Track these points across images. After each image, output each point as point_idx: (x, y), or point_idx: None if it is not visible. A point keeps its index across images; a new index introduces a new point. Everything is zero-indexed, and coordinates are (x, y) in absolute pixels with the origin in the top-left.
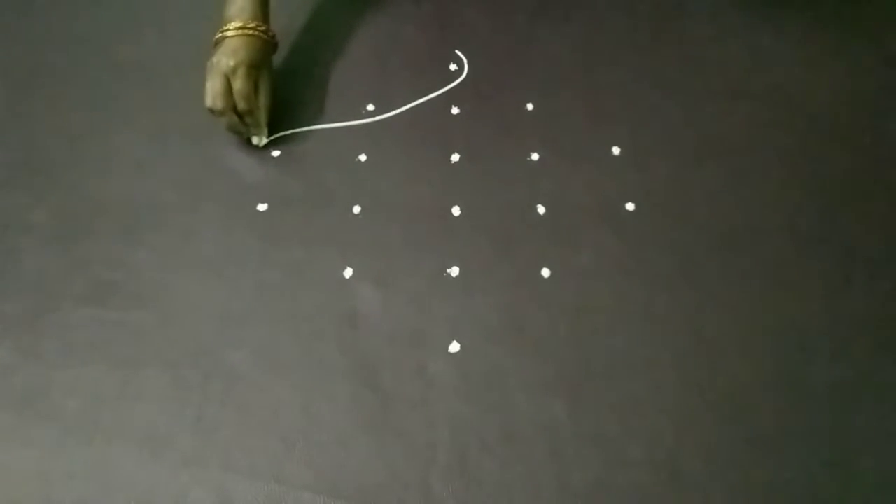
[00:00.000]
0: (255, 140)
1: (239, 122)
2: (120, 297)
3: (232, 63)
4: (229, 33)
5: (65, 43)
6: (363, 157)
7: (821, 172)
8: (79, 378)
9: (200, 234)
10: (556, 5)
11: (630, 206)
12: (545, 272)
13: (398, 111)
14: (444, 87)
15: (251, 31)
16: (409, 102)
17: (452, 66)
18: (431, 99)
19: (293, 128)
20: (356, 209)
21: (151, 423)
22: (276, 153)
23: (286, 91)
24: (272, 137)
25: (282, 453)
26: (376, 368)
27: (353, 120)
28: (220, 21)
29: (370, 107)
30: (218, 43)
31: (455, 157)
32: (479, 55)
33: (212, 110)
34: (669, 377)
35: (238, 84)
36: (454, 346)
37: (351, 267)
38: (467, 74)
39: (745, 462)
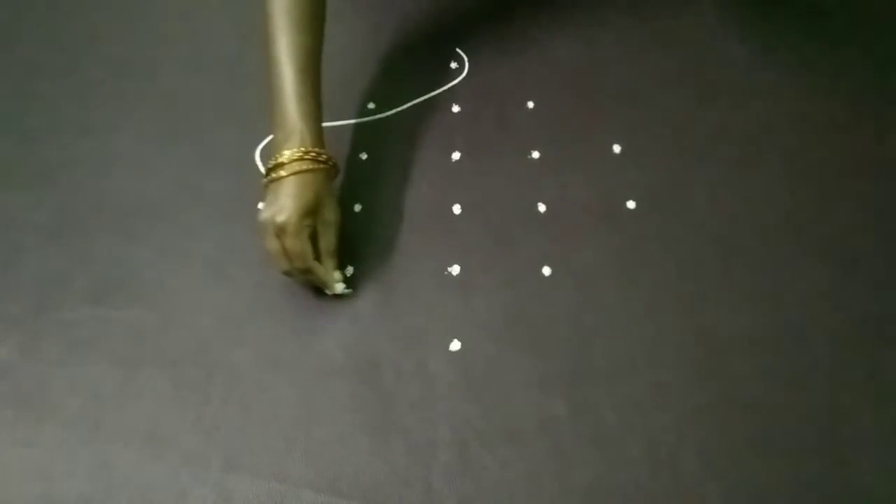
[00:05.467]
0: (328, 292)
1: (305, 277)
2: (121, 296)
3: (278, 221)
4: (282, 172)
5: (65, 43)
6: (364, 156)
7: (821, 172)
8: (79, 377)
9: (201, 234)
10: (556, 4)
11: (631, 205)
12: (546, 270)
13: (399, 109)
14: (444, 85)
15: (308, 166)
16: (410, 101)
17: (453, 65)
18: (432, 97)
19: None
20: (357, 207)
21: (152, 422)
22: None
23: None
24: None
25: (283, 452)
26: (377, 367)
27: (354, 118)
28: (273, 147)
29: (371, 105)
30: (268, 185)
31: (456, 156)
32: (479, 53)
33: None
34: (670, 376)
35: (288, 244)
36: (455, 345)
37: (352, 265)
38: (468, 73)
39: (745, 462)
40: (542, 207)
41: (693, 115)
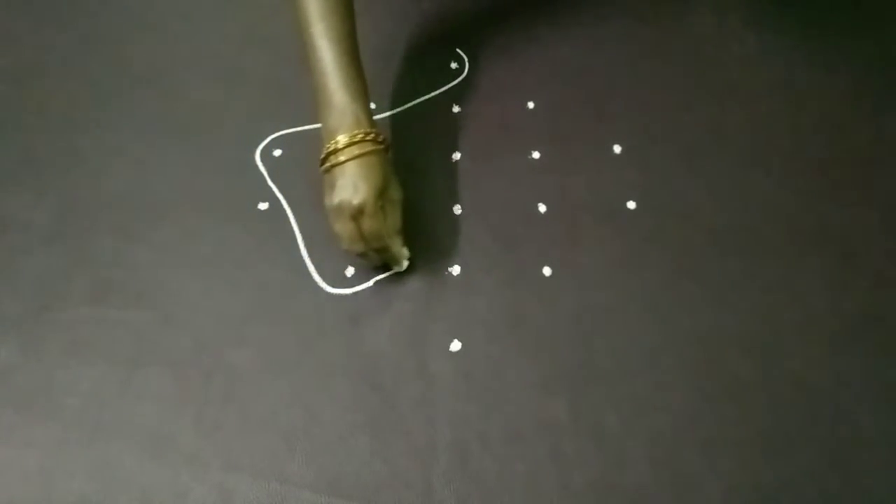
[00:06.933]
0: (396, 268)
1: (378, 256)
2: (121, 297)
3: (356, 203)
4: (342, 157)
5: (65, 43)
6: None
7: (821, 171)
8: (80, 377)
9: (201, 234)
10: (557, 4)
11: (631, 205)
12: (546, 271)
13: (399, 109)
14: (445, 85)
15: (369, 147)
16: (411, 101)
17: (454, 65)
18: (433, 97)
19: (294, 127)
20: None
21: (152, 422)
22: (276, 153)
23: (287, 90)
24: (276, 135)
25: (283, 452)
26: (377, 367)
27: None
28: (324, 132)
29: (371, 105)
30: (329, 170)
31: (456, 156)
32: (480, 54)
33: (349, 252)
34: (670, 376)
35: (366, 224)
36: (455, 345)
37: (352, 266)
38: (468, 73)
39: (745, 462)
40: (542, 207)
41: (693, 115)
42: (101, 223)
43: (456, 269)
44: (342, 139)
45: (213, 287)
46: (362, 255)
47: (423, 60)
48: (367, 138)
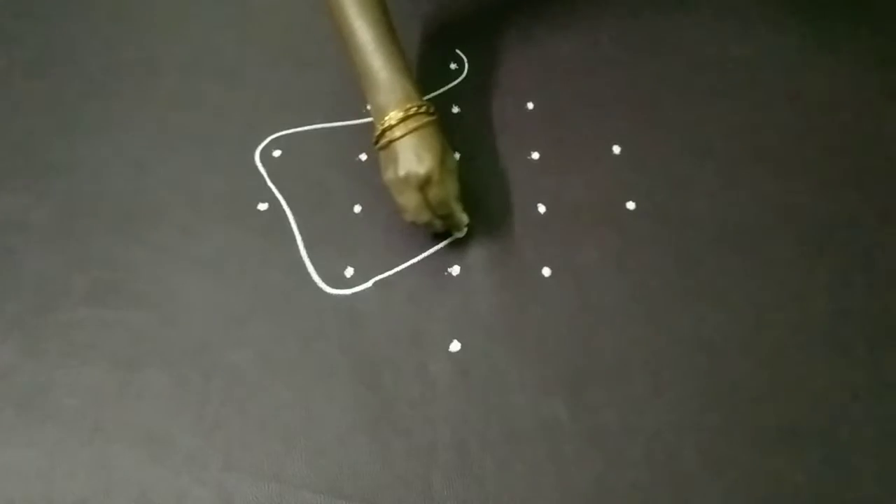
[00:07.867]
0: (457, 234)
1: (442, 223)
2: (120, 297)
3: (422, 173)
4: (397, 132)
5: (65, 43)
6: (363, 157)
7: (821, 172)
8: (79, 378)
9: (200, 234)
10: (556, 5)
11: (630, 206)
12: (546, 271)
13: None
14: (444, 86)
15: (425, 119)
16: None
17: (453, 65)
18: (432, 98)
19: (294, 127)
20: (357, 208)
21: (152, 423)
22: (276, 153)
23: (287, 90)
24: (276, 135)
25: (282, 453)
26: (377, 368)
27: (353, 119)
28: (374, 111)
29: (370, 106)
30: (386, 146)
31: (456, 156)
32: (479, 54)
33: (415, 223)
34: (669, 376)
35: (433, 192)
36: (454, 346)
37: (352, 266)
38: (468, 73)
39: (745, 462)
40: (541, 208)
41: (693, 115)
42: (100, 223)
43: (456, 269)
44: (394, 115)
45: (212, 287)
46: (427, 223)
47: (422, 61)
48: (421, 111)
